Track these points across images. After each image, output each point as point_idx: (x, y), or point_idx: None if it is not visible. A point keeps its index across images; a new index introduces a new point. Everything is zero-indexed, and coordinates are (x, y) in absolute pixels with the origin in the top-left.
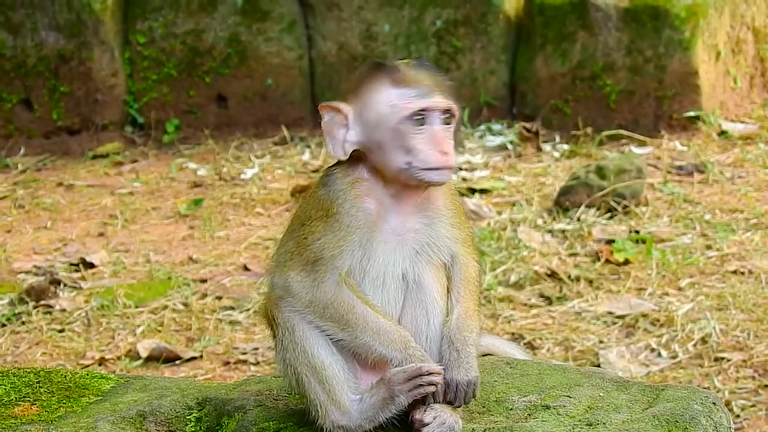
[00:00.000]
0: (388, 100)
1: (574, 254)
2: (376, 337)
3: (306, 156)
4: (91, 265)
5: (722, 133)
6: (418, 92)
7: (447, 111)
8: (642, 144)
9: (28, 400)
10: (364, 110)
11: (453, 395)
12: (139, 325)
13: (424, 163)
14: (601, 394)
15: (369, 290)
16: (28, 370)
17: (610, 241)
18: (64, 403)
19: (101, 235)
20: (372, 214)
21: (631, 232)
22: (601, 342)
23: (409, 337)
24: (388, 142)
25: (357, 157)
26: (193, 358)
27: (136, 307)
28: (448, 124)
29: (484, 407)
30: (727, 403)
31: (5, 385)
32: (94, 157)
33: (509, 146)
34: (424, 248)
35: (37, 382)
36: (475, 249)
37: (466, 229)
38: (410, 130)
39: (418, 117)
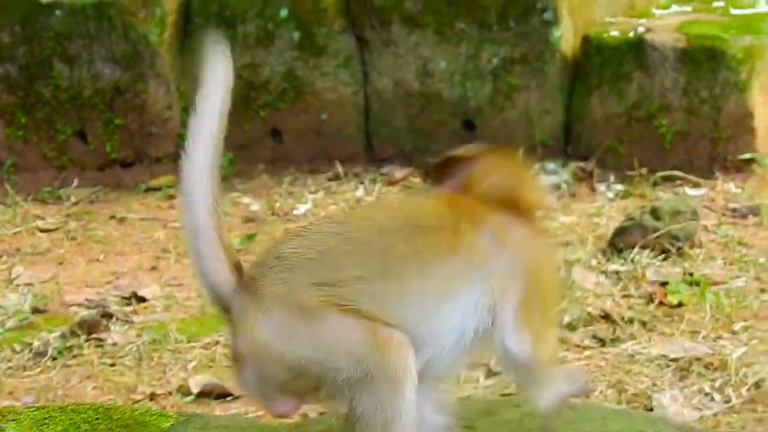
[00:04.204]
0: None
1: (628, 296)
2: None
3: (360, 192)
4: (143, 299)
5: None
6: None
7: None
8: (696, 185)
9: None
10: None
11: None
12: (190, 361)
13: None
14: None
15: None
16: (87, 406)
17: (664, 283)
18: None
19: (154, 268)
20: None
21: (685, 274)
22: (654, 385)
23: None
24: None
25: None
26: (245, 395)
27: (188, 342)
28: None
29: None
30: None
31: (64, 421)
32: (148, 190)
33: (563, 186)
34: None
35: (96, 419)
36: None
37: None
38: None
39: None
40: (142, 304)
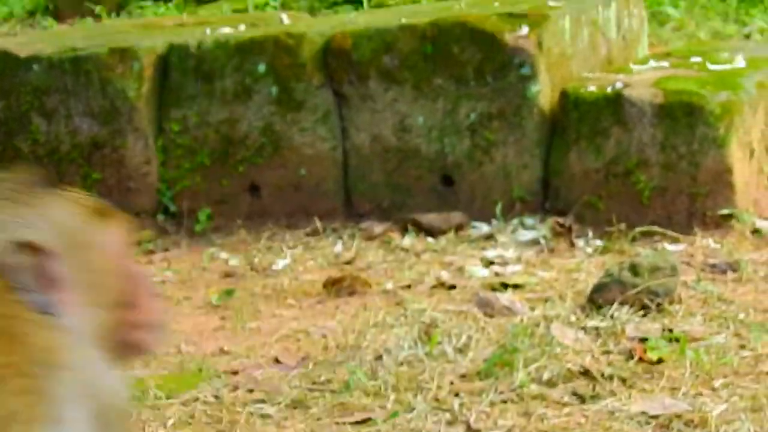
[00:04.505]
0: None
1: (608, 352)
2: None
3: (338, 248)
4: None
5: (756, 232)
6: None
7: None
8: (675, 241)
9: None
10: None
11: None
12: (169, 417)
13: None
14: None
15: None
16: None
17: (643, 340)
18: None
19: None
20: None
21: (664, 330)
22: None
23: None
24: None
25: None
26: None
27: (167, 398)
28: None
29: None
30: None
31: None
32: None
33: (542, 241)
34: None
35: None
36: None
37: None
38: None
39: None
40: None
